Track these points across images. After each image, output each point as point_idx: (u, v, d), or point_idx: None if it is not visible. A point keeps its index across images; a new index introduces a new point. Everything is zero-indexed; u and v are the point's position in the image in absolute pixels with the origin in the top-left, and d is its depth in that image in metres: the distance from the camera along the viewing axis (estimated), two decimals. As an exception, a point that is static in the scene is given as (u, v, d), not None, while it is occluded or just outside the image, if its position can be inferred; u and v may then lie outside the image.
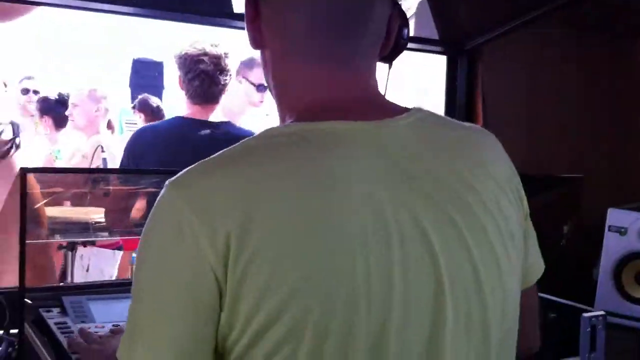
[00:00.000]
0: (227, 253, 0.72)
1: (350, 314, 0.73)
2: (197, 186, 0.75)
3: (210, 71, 2.46)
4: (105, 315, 1.42)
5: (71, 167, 2.81)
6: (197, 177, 0.77)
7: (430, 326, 0.76)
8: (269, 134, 0.80)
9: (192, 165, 0.78)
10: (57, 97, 4.26)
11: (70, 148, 4.06)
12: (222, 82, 2.52)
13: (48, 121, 4.33)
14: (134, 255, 3.62)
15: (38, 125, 4.35)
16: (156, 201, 0.77)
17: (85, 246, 2.76)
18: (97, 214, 2.58)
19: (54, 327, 1.29)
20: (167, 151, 2.40)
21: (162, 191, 0.77)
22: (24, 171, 1.13)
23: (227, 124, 2.57)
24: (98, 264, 3.27)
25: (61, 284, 2.49)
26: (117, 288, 1.70)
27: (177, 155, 2.35)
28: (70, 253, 2.71)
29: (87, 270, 3.19)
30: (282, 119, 0.86)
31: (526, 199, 0.91)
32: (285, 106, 0.86)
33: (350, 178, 0.76)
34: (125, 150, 2.54)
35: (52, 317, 1.36)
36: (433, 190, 0.79)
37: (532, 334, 0.96)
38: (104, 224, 2.50)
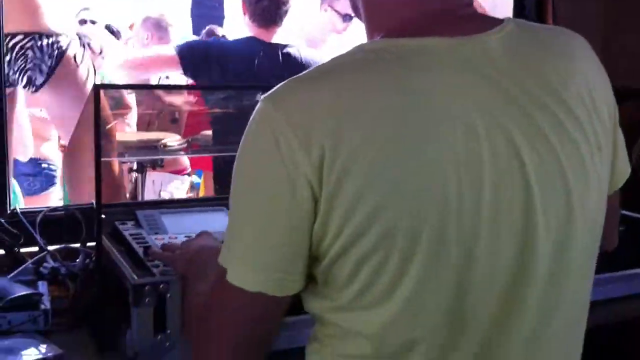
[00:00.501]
0: (322, 164, 0.75)
1: (441, 221, 0.76)
2: (292, 100, 0.79)
3: None
4: (178, 227, 1.46)
5: (141, 83, 2.82)
6: (292, 91, 0.80)
7: (520, 239, 0.79)
8: (359, 49, 0.82)
9: (286, 81, 0.80)
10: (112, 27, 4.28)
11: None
12: (287, 6, 2.55)
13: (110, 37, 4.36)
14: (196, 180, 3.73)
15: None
16: (252, 116, 0.81)
17: (154, 169, 2.82)
18: (166, 137, 2.64)
19: (129, 238, 1.34)
20: (234, 68, 2.43)
21: (258, 105, 0.80)
22: (97, 87, 1.15)
23: (291, 46, 2.59)
24: (166, 189, 3.36)
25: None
26: (188, 204, 1.76)
27: (243, 73, 2.39)
28: (140, 176, 2.79)
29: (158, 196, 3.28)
30: (371, 38, 0.87)
31: (617, 106, 0.90)
32: (374, 25, 0.87)
33: (441, 93, 0.77)
34: (183, 59, 2.55)
35: (127, 229, 1.41)
36: (525, 104, 0.79)
37: (611, 236, 0.99)
38: (173, 146, 2.56)
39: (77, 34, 2.16)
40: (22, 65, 2.08)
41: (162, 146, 2.57)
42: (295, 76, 0.81)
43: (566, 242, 0.82)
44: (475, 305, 0.80)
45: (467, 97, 0.78)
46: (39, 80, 2.09)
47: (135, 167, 2.72)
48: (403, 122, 0.76)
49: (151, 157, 2.36)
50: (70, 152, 2.25)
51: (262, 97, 0.80)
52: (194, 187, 3.82)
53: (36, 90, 2.14)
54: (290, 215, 0.78)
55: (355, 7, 0.91)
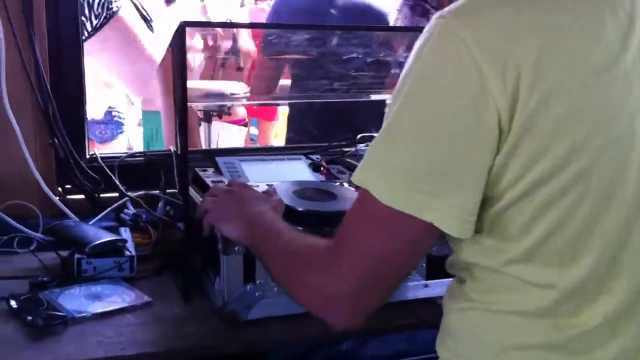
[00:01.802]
0: (517, 91, 0.68)
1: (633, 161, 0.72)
2: (484, 17, 0.70)
3: None
4: (258, 175, 1.42)
5: (228, 22, 2.74)
6: (484, 8, 0.71)
7: None
8: None
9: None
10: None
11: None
12: None
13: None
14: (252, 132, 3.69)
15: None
16: (428, 33, 0.73)
17: (220, 117, 2.79)
18: (231, 85, 2.59)
19: (211, 185, 1.30)
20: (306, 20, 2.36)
21: (437, 22, 0.72)
22: (183, 25, 1.09)
23: None
24: (224, 138, 3.35)
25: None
26: (266, 152, 1.72)
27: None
28: (207, 125, 2.77)
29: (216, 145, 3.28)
30: None
31: None
32: None
33: None
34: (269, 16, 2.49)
35: (209, 176, 1.37)
36: None
37: None
38: (239, 94, 2.51)
39: None
40: None
41: (229, 94, 2.53)
42: None
43: None
44: None
45: None
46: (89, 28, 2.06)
47: (201, 116, 2.70)
48: (611, 54, 0.70)
49: (226, 103, 2.31)
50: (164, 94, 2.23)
51: (444, 12, 0.72)
52: (252, 139, 3.80)
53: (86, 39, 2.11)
54: (471, 142, 0.71)
55: None
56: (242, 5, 3.77)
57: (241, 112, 3.38)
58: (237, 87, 2.57)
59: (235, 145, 3.42)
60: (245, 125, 3.53)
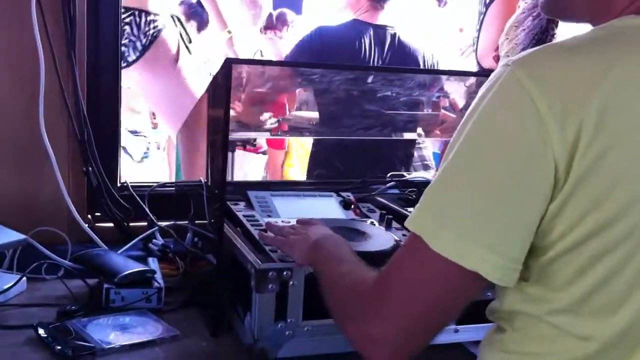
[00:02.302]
0: (577, 142, 0.68)
1: None
2: (548, 67, 0.71)
3: None
4: (289, 211, 1.41)
5: (273, 60, 2.78)
6: (549, 59, 0.72)
7: None
8: (614, 25, 0.75)
9: (537, 47, 0.74)
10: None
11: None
12: None
13: (193, 25, 4.35)
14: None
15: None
16: (492, 80, 0.73)
17: (245, 148, 2.80)
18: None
19: (244, 220, 1.29)
20: (340, 54, 2.37)
21: (502, 69, 0.73)
22: (230, 62, 1.09)
23: (391, 27, 2.52)
24: (242, 166, 3.36)
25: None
26: (296, 186, 1.72)
27: (350, 58, 2.33)
28: (230, 154, 2.78)
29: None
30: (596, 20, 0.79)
31: None
32: (614, 9, 0.78)
33: None
34: (298, 49, 2.50)
35: (240, 210, 1.37)
36: None
37: None
38: (265, 125, 2.52)
39: (174, 16, 2.14)
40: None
41: (254, 125, 2.53)
42: (548, 44, 0.74)
43: None
44: None
45: None
46: (132, 57, 2.07)
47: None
48: None
49: (255, 135, 2.32)
50: (185, 127, 2.24)
51: (510, 61, 0.72)
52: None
53: (127, 66, 2.13)
54: (525, 192, 0.71)
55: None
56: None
57: (259, 141, 3.40)
58: (265, 118, 2.57)
59: (255, 173, 3.44)
60: (264, 153, 3.55)
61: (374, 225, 1.40)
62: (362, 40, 2.41)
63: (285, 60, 2.32)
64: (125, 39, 2.05)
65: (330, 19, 2.78)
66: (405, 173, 1.80)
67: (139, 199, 1.50)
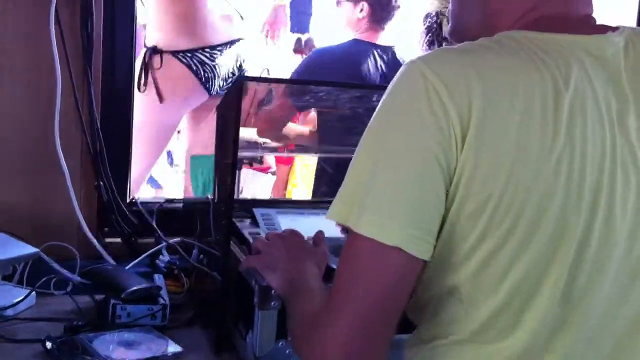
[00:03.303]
0: (468, 126, 0.76)
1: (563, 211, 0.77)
2: (446, 61, 0.80)
3: None
4: (294, 228, 1.43)
5: (286, 78, 2.82)
6: (445, 55, 0.82)
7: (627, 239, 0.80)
8: (499, 37, 0.85)
9: (434, 50, 0.87)
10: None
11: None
12: (397, 5, 2.52)
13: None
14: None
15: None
16: (398, 75, 0.82)
17: (251, 166, 2.83)
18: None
19: (249, 237, 1.32)
20: (340, 74, 2.39)
21: (406, 67, 0.81)
22: (242, 79, 1.12)
23: (393, 47, 2.55)
24: (251, 185, 3.37)
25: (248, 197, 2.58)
26: (301, 204, 1.74)
27: (350, 77, 2.35)
28: (238, 172, 2.80)
29: (241, 192, 3.30)
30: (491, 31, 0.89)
31: None
32: (502, 25, 0.89)
33: (577, 83, 0.80)
34: (299, 70, 2.53)
35: (246, 227, 1.39)
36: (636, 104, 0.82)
37: None
38: (270, 143, 2.54)
39: None
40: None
41: (260, 144, 2.57)
42: (442, 47, 0.86)
43: None
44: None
45: (601, 90, 0.81)
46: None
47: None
48: (546, 106, 0.78)
49: (265, 152, 2.34)
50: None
51: (411, 60, 0.81)
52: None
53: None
54: (434, 177, 0.77)
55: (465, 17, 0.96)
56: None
57: (269, 159, 3.41)
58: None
59: (263, 192, 3.45)
60: (274, 173, 3.56)
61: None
62: (362, 60, 2.44)
63: (296, 79, 2.35)
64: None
65: (334, 38, 2.81)
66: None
67: (147, 216, 1.53)
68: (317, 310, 0.86)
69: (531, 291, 0.79)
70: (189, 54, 2.15)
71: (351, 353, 0.77)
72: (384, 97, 0.82)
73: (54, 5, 1.43)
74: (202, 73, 2.18)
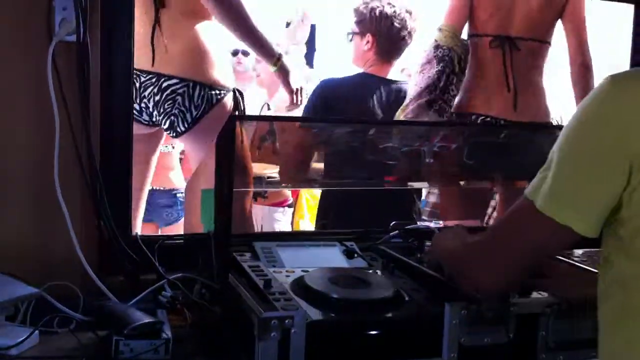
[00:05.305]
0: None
1: None
2: (635, 86, 1.01)
3: (402, 29, 2.52)
4: (294, 261, 1.45)
5: (280, 115, 2.84)
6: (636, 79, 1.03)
7: None
8: None
9: (632, 69, 1.11)
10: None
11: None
12: (408, 42, 2.56)
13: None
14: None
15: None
16: (595, 90, 1.04)
17: (256, 200, 2.85)
18: (268, 168, 2.65)
19: (249, 270, 1.33)
20: (348, 106, 2.43)
21: (602, 82, 1.03)
22: (234, 118, 1.16)
23: (401, 82, 2.58)
24: (269, 221, 3.37)
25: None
26: (301, 236, 1.75)
27: (358, 110, 2.38)
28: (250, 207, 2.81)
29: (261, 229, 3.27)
30: None
31: None
32: None
33: None
34: (309, 103, 2.55)
35: (246, 261, 1.40)
36: None
37: None
38: (276, 177, 2.57)
39: (234, 89, 2.13)
40: (169, 109, 2.08)
41: (265, 178, 2.59)
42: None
43: None
44: None
45: None
46: (181, 128, 2.08)
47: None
48: None
49: (270, 189, 2.36)
50: (194, 179, 2.24)
51: (610, 76, 1.03)
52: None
53: (176, 136, 2.15)
54: (608, 175, 1.01)
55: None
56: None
57: (287, 193, 3.40)
58: (274, 170, 2.62)
59: (280, 227, 3.46)
60: (290, 206, 3.55)
61: (376, 273, 1.43)
62: (369, 93, 2.47)
63: (290, 116, 2.37)
64: (176, 109, 2.07)
65: (341, 71, 2.84)
66: (407, 222, 1.83)
67: (149, 254, 1.55)
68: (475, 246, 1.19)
69: None
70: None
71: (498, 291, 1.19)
72: (579, 107, 1.07)
73: (51, 52, 1.46)
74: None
